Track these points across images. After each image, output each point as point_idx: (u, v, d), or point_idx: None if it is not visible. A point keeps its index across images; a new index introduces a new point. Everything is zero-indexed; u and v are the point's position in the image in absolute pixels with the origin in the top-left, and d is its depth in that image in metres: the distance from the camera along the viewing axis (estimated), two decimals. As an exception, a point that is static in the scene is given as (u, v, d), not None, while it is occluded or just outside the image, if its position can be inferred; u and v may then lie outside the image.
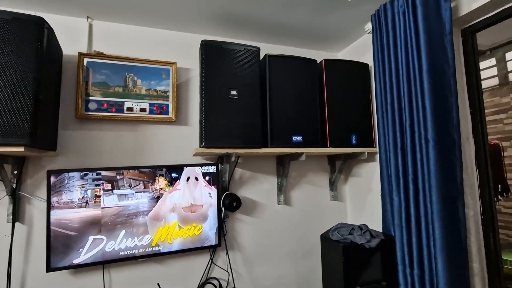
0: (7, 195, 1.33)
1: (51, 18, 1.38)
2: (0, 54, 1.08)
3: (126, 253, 1.44)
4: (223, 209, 1.63)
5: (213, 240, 1.61)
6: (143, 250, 1.47)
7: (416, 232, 1.30)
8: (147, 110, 1.60)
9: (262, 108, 1.48)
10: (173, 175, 1.55)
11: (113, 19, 1.62)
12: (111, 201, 1.43)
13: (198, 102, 1.74)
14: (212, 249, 1.67)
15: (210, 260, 1.66)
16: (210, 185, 1.61)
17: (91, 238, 1.39)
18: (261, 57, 1.56)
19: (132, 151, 1.59)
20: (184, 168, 1.56)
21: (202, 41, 1.42)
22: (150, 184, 1.50)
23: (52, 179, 1.34)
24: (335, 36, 1.90)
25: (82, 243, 1.37)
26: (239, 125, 1.41)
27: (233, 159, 1.46)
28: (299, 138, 1.53)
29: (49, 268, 1.32)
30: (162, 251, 1.50)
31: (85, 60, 1.51)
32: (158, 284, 1.53)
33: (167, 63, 1.66)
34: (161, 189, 1.52)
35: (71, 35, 1.54)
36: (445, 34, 1.27)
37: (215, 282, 1.66)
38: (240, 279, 1.72)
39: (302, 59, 1.62)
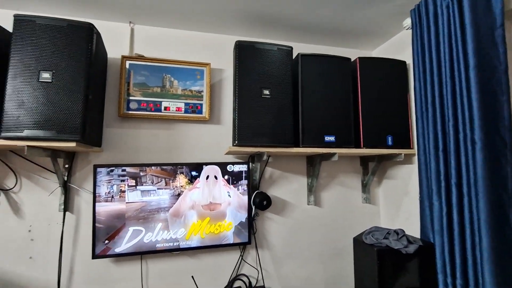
0: (59, 186, 1.46)
1: (98, 24, 1.49)
2: (57, 58, 1.19)
3: (162, 245, 1.51)
4: (253, 208, 1.65)
5: (243, 238, 1.63)
6: (177, 243, 1.53)
7: (459, 240, 1.22)
8: (183, 109, 1.67)
9: (294, 108, 1.47)
10: (193, 173, 1.59)
11: (152, 23, 1.71)
12: (134, 197, 1.51)
13: (230, 101, 1.78)
14: (242, 246, 1.69)
15: (240, 257, 1.69)
16: (229, 184, 1.64)
17: (131, 229, 1.48)
18: (293, 56, 1.56)
19: (167, 149, 1.67)
20: (204, 166, 1.59)
21: (236, 41, 1.44)
22: (171, 181, 1.56)
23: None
24: (369, 34, 1.84)
25: (123, 233, 1.46)
26: (271, 124, 1.42)
27: (264, 158, 1.48)
28: (332, 138, 1.51)
29: (94, 255, 1.43)
30: (194, 245, 1.55)
31: (127, 62, 1.62)
32: (192, 277, 1.59)
33: (202, 64, 1.71)
34: (181, 186, 1.57)
35: (115, 39, 1.65)
36: (495, 28, 1.18)
37: (245, 279, 1.68)
38: (269, 277, 1.73)
39: (335, 58, 1.58)
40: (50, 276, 1.46)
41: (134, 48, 1.69)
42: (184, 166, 1.57)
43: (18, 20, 1.18)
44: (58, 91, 1.18)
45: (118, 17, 1.64)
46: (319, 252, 1.83)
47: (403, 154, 1.63)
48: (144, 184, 1.53)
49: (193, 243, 1.55)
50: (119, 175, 1.49)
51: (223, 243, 1.60)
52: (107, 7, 1.54)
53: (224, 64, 1.80)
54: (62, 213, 1.49)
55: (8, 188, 1.46)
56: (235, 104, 1.40)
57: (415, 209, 1.54)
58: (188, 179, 1.58)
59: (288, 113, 1.45)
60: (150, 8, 1.56)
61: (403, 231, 1.44)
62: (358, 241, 1.54)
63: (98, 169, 1.45)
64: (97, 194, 1.44)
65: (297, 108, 1.49)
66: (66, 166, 1.51)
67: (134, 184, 1.51)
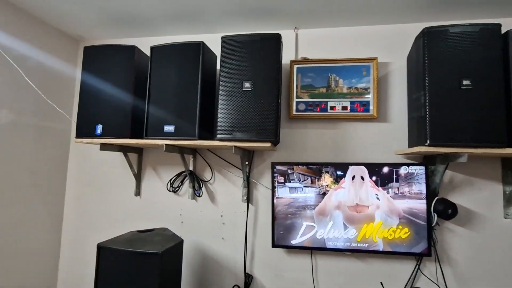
0: (244, 181, 1.69)
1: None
2: (255, 69, 1.37)
3: (332, 243, 1.53)
4: (434, 216, 1.46)
5: (421, 248, 1.46)
6: (349, 244, 1.51)
7: None
8: (348, 108, 1.64)
9: (506, 100, 1.19)
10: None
11: (315, 26, 1.74)
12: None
13: (398, 97, 1.63)
14: (419, 257, 1.53)
15: (417, 267, 1.53)
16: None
17: (305, 224, 1.57)
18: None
19: (332, 148, 1.68)
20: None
21: (424, 28, 1.29)
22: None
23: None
24: None
25: (298, 227, 1.56)
26: (473, 121, 1.19)
27: (462, 160, 1.26)
28: None
29: (274, 245, 1.59)
30: (367, 248, 1.50)
31: (295, 66, 1.71)
32: (381, 283, 1.54)
33: (367, 59, 1.63)
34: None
35: (283, 46, 1.77)
36: None
37: (422, 293, 1.51)
38: (451, 297, 1.50)
39: None
40: (237, 256, 1.72)
41: (298, 51, 1.78)
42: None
43: (225, 40, 1.42)
44: (259, 100, 1.34)
45: (284, 25, 1.75)
46: (524, 279, 1.45)
47: None
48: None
49: (365, 246, 1.50)
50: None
51: (398, 250, 1.48)
52: (274, 17, 1.66)
53: (391, 57, 1.66)
54: (244, 203, 1.72)
55: (206, 180, 1.80)
56: (425, 98, 1.25)
57: None
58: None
59: (497, 107, 1.19)
60: (314, 12, 1.60)
61: None
62: None
63: (277, 167, 1.60)
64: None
65: (509, 100, 1.20)
66: (246, 163, 1.73)
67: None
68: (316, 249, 1.57)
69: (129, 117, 1.54)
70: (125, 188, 1.90)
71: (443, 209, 1.43)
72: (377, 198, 1.54)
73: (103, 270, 1.22)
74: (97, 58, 1.58)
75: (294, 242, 1.57)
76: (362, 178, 1.56)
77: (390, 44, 1.66)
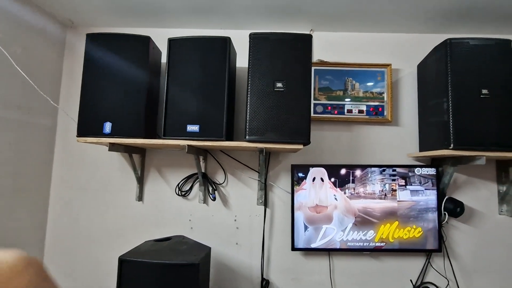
0: (262, 183, 1.64)
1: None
2: (287, 68, 1.33)
3: (353, 244, 1.55)
4: (445, 214, 1.56)
5: (430, 245, 1.56)
6: (367, 244, 1.55)
7: None
8: (364, 111, 1.68)
9: (517, 107, 1.32)
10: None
11: (331, 29, 1.76)
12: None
13: (410, 102, 1.72)
14: (429, 253, 1.62)
15: (427, 262, 1.62)
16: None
17: (324, 227, 1.57)
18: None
19: (347, 150, 1.71)
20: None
21: (447, 39, 1.37)
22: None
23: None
24: None
25: (318, 231, 1.56)
26: (491, 127, 1.30)
27: (481, 162, 1.36)
28: None
29: (293, 248, 1.56)
30: (384, 248, 1.55)
31: (313, 68, 1.71)
32: (411, 280, 1.59)
33: (382, 65, 1.70)
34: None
35: (299, 47, 1.76)
36: None
37: (433, 287, 1.60)
38: (457, 289, 1.62)
39: None
40: (253, 261, 1.66)
41: (314, 54, 1.78)
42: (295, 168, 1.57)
43: (254, 38, 1.36)
44: (293, 103, 1.31)
45: (302, 26, 1.74)
46: (517, 269, 1.62)
47: None
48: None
49: (382, 245, 1.55)
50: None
51: (413, 248, 1.56)
52: (290, 17, 1.64)
53: (401, 64, 1.74)
54: (260, 206, 1.67)
55: (219, 183, 1.71)
56: (448, 104, 1.33)
57: None
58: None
59: (510, 114, 1.31)
60: (332, 15, 1.61)
61: None
62: None
63: (296, 169, 1.58)
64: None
65: (518, 107, 1.33)
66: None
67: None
68: (334, 250, 1.58)
69: (142, 114, 1.39)
70: (124, 192, 1.72)
71: (453, 208, 1.54)
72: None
73: (127, 287, 1.08)
74: (103, 48, 1.40)
75: (313, 245, 1.56)
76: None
77: (401, 52, 1.75)
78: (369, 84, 1.69)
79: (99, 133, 1.37)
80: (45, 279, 0.35)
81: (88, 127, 1.38)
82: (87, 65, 1.40)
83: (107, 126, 1.37)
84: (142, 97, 1.40)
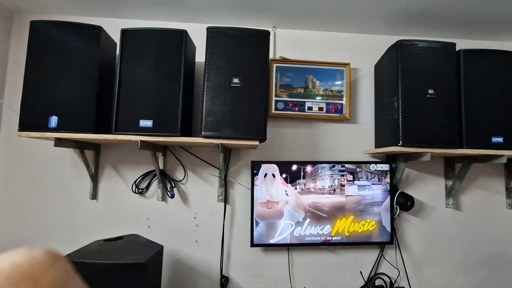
0: (222, 180, 1.62)
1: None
2: (243, 64, 1.32)
3: (311, 239, 1.59)
4: (397, 208, 1.64)
5: (384, 238, 1.63)
6: (324, 238, 1.59)
7: None
8: (324, 109, 1.72)
9: (458, 107, 1.41)
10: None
11: (294, 27, 1.78)
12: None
13: (367, 101, 1.78)
14: (382, 246, 1.70)
15: (381, 254, 1.69)
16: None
17: (282, 222, 1.59)
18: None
19: (307, 147, 1.74)
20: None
21: (398, 41, 1.43)
22: None
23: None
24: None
25: (277, 227, 1.57)
26: (435, 125, 1.38)
27: (426, 158, 1.44)
28: (500, 139, 1.41)
29: (253, 244, 1.57)
30: (339, 241, 1.60)
31: (274, 65, 1.72)
32: (361, 272, 1.65)
33: (342, 64, 1.74)
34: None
35: (262, 44, 1.76)
36: None
37: (386, 278, 1.68)
38: (407, 279, 1.70)
39: (501, 52, 1.47)
40: (212, 259, 1.64)
41: (276, 51, 1.78)
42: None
43: (211, 32, 1.33)
44: (249, 100, 1.30)
45: (264, 23, 1.74)
46: (460, 260, 1.74)
47: None
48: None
49: (338, 239, 1.60)
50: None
51: (366, 241, 1.62)
52: (253, 13, 1.64)
53: (360, 63, 1.80)
54: (220, 203, 1.66)
55: (179, 180, 1.67)
56: (398, 103, 1.39)
57: None
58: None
59: (452, 113, 1.39)
60: (294, 13, 1.63)
61: None
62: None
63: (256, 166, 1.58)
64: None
65: (460, 107, 1.42)
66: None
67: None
68: (293, 245, 1.61)
69: (93, 108, 1.32)
70: (76, 190, 1.63)
71: (404, 202, 1.62)
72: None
73: (69, 289, 1.02)
74: (50, 37, 1.31)
75: (272, 241, 1.58)
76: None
77: (359, 52, 1.80)
78: (329, 82, 1.73)
79: (44, 128, 1.28)
80: (72, 275, 0.36)
81: (31, 120, 1.28)
82: (31, 54, 1.30)
83: (53, 120, 1.28)
84: (93, 90, 1.32)
